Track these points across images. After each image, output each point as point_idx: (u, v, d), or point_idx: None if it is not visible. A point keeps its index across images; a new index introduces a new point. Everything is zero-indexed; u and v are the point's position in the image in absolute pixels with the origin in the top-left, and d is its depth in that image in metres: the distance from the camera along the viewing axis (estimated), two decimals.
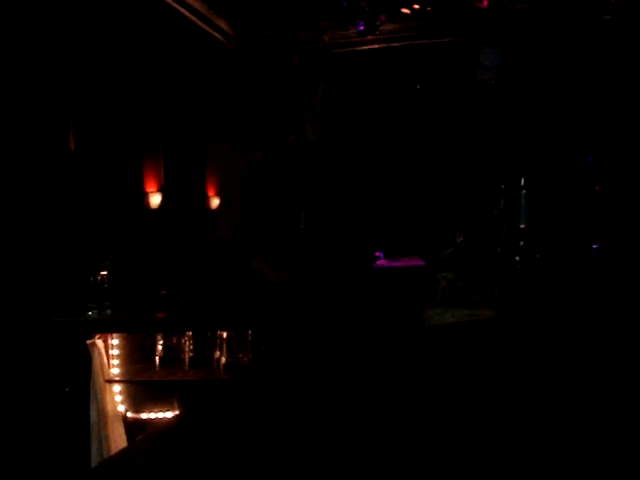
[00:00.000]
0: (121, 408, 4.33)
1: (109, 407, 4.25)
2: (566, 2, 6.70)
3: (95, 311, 4.39)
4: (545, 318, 3.26)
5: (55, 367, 4.26)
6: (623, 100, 6.37)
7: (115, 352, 4.36)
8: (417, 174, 7.15)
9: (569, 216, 4.56)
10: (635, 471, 1.98)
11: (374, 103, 7.47)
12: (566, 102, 6.69)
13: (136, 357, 4.43)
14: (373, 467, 2.07)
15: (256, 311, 3.65)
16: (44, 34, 4.87)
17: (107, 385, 4.28)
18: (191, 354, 4.33)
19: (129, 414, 4.34)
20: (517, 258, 3.74)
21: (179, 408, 4.21)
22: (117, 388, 4.33)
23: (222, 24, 7.41)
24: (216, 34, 7.44)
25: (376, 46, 7.66)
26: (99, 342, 4.25)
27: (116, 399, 4.32)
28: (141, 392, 4.34)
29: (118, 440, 4.23)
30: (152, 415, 4.31)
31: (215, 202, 8.09)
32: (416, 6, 6.96)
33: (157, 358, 4.39)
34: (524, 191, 4.09)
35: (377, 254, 4.64)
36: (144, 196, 6.56)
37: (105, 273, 4.46)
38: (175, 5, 6.41)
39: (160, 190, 6.72)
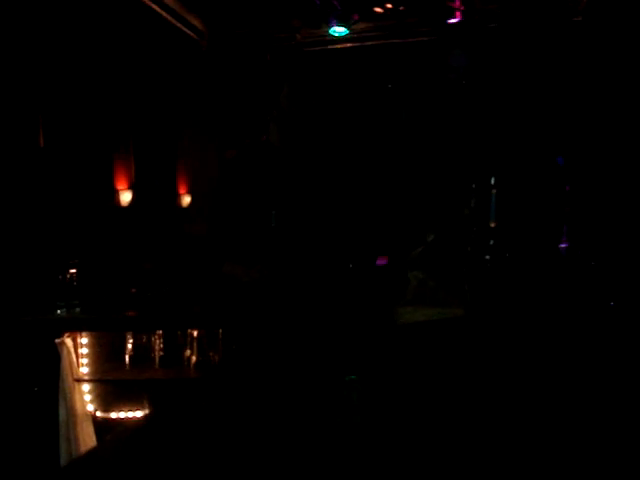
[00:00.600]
0: (90, 407, 4.30)
1: (78, 406, 4.21)
2: (536, 3, 6.76)
3: (64, 309, 4.35)
4: (514, 316, 3.29)
5: (24, 366, 4.22)
6: (593, 100, 6.44)
7: (84, 351, 4.32)
8: (388, 173, 7.17)
9: (538, 215, 4.61)
10: (606, 459, 2.01)
11: (345, 101, 7.48)
12: (536, 102, 6.75)
13: (106, 356, 4.40)
14: (344, 461, 2.08)
15: (227, 310, 3.64)
16: (13, 30, 4.81)
17: (76, 384, 4.24)
18: (161, 353, 4.31)
19: (98, 413, 4.31)
20: (487, 257, 3.77)
21: (149, 407, 4.19)
22: (86, 387, 4.29)
23: (195, 21, 7.38)
24: (188, 31, 7.41)
25: (349, 45, 7.67)
26: (68, 341, 4.22)
27: (85, 398, 4.28)
28: (111, 391, 4.31)
29: (87, 439, 4.20)
30: (122, 414, 4.28)
31: (186, 200, 8.04)
32: (389, 5, 6.98)
33: (127, 357, 4.36)
34: (494, 190, 4.13)
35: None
36: (114, 193, 6.50)
37: (74, 271, 4.43)
38: (148, 2, 6.37)
39: (131, 187, 6.66)
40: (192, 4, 7.08)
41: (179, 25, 7.17)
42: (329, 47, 7.62)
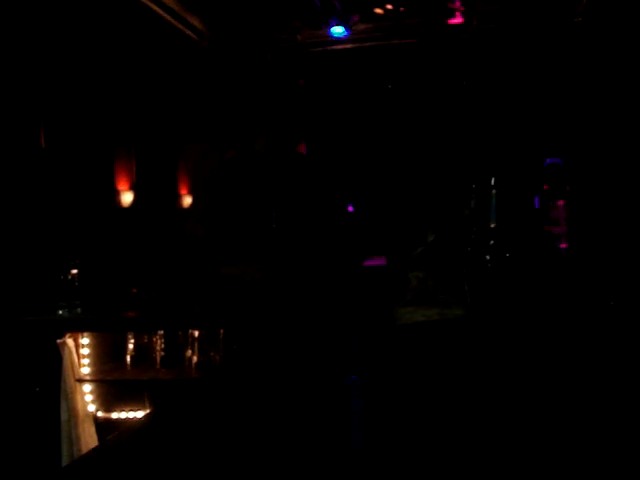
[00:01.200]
0: (92, 407, 4.30)
1: (80, 406, 4.22)
2: (536, 4, 6.76)
3: (65, 310, 4.36)
4: (514, 316, 3.30)
5: (25, 366, 4.23)
6: (593, 101, 6.45)
7: (86, 351, 4.33)
8: (388, 174, 7.18)
9: (538, 216, 4.61)
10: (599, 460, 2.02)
11: (346, 102, 7.49)
12: (536, 103, 6.76)
13: (107, 356, 4.40)
14: (344, 461, 2.09)
15: (228, 310, 3.65)
16: (14, 31, 4.82)
17: (78, 384, 4.25)
18: (162, 353, 4.32)
19: (100, 413, 4.32)
20: (487, 257, 3.78)
21: (150, 407, 4.19)
22: (88, 387, 4.30)
23: (195, 22, 7.38)
24: (189, 32, 7.41)
25: (349, 46, 7.68)
26: (69, 341, 4.22)
27: (87, 398, 4.29)
28: (112, 391, 4.32)
29: (89, 440, 4.20)
30: (123, 414, 4.29)
31: (187, 201, 8.05)
32: (389, 6, 6.99)
33: (128, 357, 4.36)
34: (494, 191, 4.13)
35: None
36: (115, 194, 6.50)
37: (76, 271, 4.43)
38: (148, 2, 6.38)
39: (132, 188, 6.66)
40: (192, 5, 7.08)
41: (179, 26, 7.17)
42: (329, 48, 7.64)
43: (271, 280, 2.95)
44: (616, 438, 2.33)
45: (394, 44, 7.58)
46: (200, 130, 7.89)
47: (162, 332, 4.33)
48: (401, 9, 7.03)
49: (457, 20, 6.89)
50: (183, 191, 8.03)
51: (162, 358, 4.32)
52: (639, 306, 3.49)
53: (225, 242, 3.14)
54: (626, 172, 5.50)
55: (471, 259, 3.77)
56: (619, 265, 4.06)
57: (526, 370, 2.90)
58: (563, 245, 4.35)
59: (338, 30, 6.98)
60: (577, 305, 3.44)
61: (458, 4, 6.84)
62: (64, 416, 4.15)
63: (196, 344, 4.24)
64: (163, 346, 4.33)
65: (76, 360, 4.27)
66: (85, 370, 4.31)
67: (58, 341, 4.19)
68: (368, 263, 4.93)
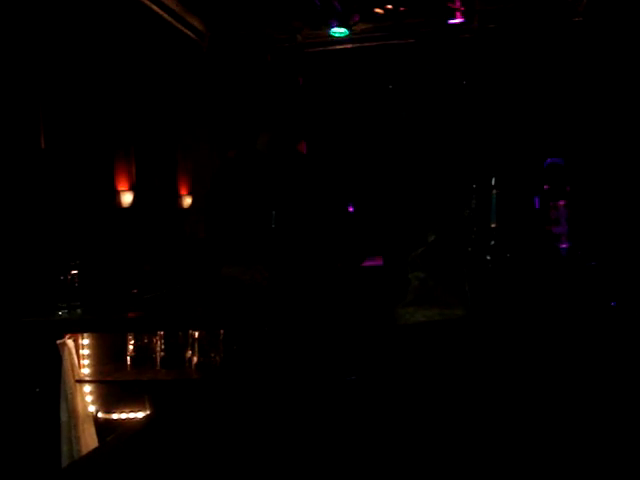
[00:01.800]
0: (92, 408, 4.30)
1: (80, 407, 4.21)
2: (536, 4, 6.76)
3: (65, 310, 4.35)
4: (516, 317, 3.29)
5: (25, 367, 4.22)
6: (593, 101, 6.45)
7: (86, 352, 4.32)
8: (389, 173, 7.18)
9: (538, 216, 4.61)
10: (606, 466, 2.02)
11: (346, 102, 7.49)
12: (537, 102, 6.76)
13: (107, 357, 4.40)
14: (345, 462, 2.08)
15: (228, 310, 3.64)
16: (14, 31, 4.82)
17: (78, 385, 4.24)
18: (162, 354, 4.31)
19: (100, 414, 4.31)
20: (488, 257, 3.77)
21: (150, 408, 4.19)
22: (88, 388, 4.29)
23: (195, 22, 7.39)
24: (189, 32, 7.42)
25: (349, 46, 7.68)
26: (69, 342, 4.22)
27: (87, 399, 4.28)
28: (112, 392, 4.31)
29: (89, 440, 4.20)
30: (123, 415, 4.28)
31: (187, 201, 8.06)
32: (389, 6, 6.99)
33: (128, 358, 4.35)
34: (495, 191, 4.12)
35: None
36: (115, 194, 6.51)
37: (76, 272, 4.42)
38: (148, 3, 6.38)
39: (132, 188, 6.67)
40: (192, 5, 7.09)
41: (179, 26, 7.18)
42: (329, 48, 7.64)
43: (271, 280, 2.95)
44: (617, 438, 2.32)
45: (394, 44, 7.58)
46: (200, 130, 7.90)
47: (162, 333, 4.32)
48: (401, 9, 7.03)
49: (457, 20, 6.89)
50: (183, 191, 8.03)
51: (162, 359, 4.31)
52: None
53: (225, 242, 3.13)
54: (627, 172, 5.50)
55: (472, 259, 3.76)
56: (620, 265, 4.05)
57: (527, 370, 2.89)
58: (564, 245, 4.35)
59: (338, 30, 6.98)
60: (578, 305, 3.44)
61: (458, 4, 6.84)
62: (64, 417, 4.14)
63: (196, 345, 4.23)
64: (163, 347, 4.32)
65: (76, 361, 4.26)
66: (85, 371, 4.30)
67: (58, 342, 4.18)
68: (368, 263, 4.93)
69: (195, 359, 4.24)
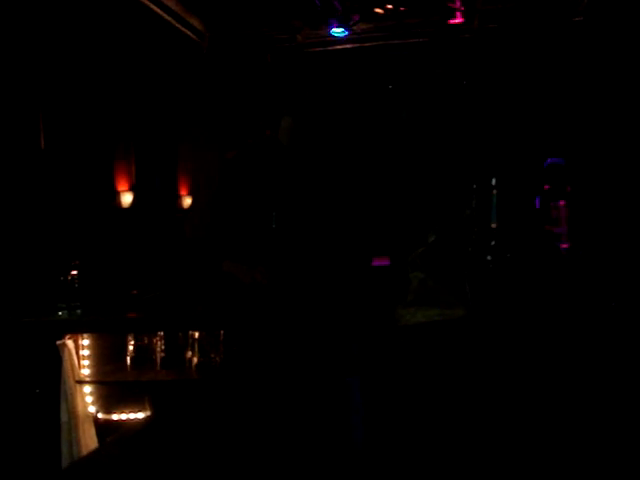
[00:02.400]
0: (92, 409, 4.29)
1: (80, 408, 4.20)
2: (537, 4, 6.76)
3: (65, 311, 4.34)
4: (516, 317, 3.29)
5: (25, 368, 4.22)
6: (594, 100, 6.44)
7: (86, 352, 4.32)
8: (389, 174, 7.18)
9: (539, 216, 4.61)
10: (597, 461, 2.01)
11: (346, 102, 7.48)
12: (537, 102, 6.75)
13: (107, 357, 4.39)
14: (345, 461, 2.07)
15: (228, 311, 3.64)
16: (14, 31, 4.81)
17: (78, 386, 4.24)
18: (162, 354, 4.30)
19: (100, 415, 4.30)
20: (488, 257, 3.77)
21: (150, 409, 4.18)
22: (88, 389, 4.28)
23: (195, 22, 7.38)
24: (189, 33, 7.41)
25: (349, 46, 7.67)
26: (69, 342, 4.21)
27: (87, 400, 4.27)
28: (112, 393, 4.30)
29: (89, 441, 4.19)
30: (123, 416, 4.27)
31: (187, 201, 8.05)
32: (389, 6, 6.98)
33: (128, 358, 4.35)
34: (495, 191, 4.12)
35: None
36: (115, 195, 6.51)
37: (75, 272, 4.41)
38: (148, 3, 6.38)
39: (131, 189, 6.67)
40: (192, 5, 7.08)
41: (179, 26, 7.18)
42: (330, 48, 7.63)
43: (272, 281, 2.94)
44: (618, 438, 2.32)
45: (394, 44, 7.58)
46: (200, 131, 7.89)
47: (162, 333, 4.31)
48: (401, 9, 7.03)
49: (458, 20, 6.89)
50: (183, 192, 8.03)
51: (162, 359, 4.30)
52: None
53: (226, 243, 3.13)
54: (627, 172, 5.50)
55: (472, 259, 3.76)
56: (621, 265, 4.05)
57: (528, 370, 2.89)
58: (564, 245, 4.35)
59: (338, 30, 6.98)
60: (578, 305, 3.43)
61: (458, 4, 6.83)
62: (64, 417, 4.14)
63: (196, 345, 4.23)
64: (163, 347, 4.31)
65: (76, 361, 4.25)
66: (85, 371, 4.29)
67: (58, 342, 4.17)
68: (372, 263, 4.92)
69: (195, 360, 4.23)
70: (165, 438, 2.41)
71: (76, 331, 4.28)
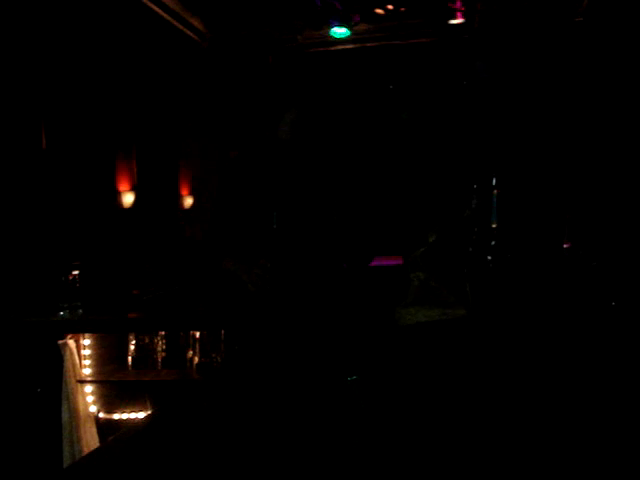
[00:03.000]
0: (93, 408, 4.30)
1: (81, 407, 4.22)
2: (537, 4, 6.76)
3: (67, 311, 4.36)
4: (516, 316, 3.29)
5: (26, 367, 4.23)
6: (594, 100, 6.45)
7: (87, 352, 4.33)
8: (390, 174, 7.18)
9: (540, 216, 4.61)
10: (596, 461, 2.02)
11: (346, 102, 7.49)
12: (537, 102, 6.76)
13: (108, 357, 4.40)
14: (346, 462, 2.08)
15: (229, 311, 3.64)
16: (15, 32, 4.82)
17: (79, 385, 4.25)
18: (164, 354, 4.32)
19: (101, 414, 4.31)
20: (489, 257, 3.77)
21: (151, 408, 4.19)
22: (89, 388, 4.30)
23: (196, 22, 7.38)
24: (190, 32, 7.41)
25: (350, 46, 7.67)
26: (71, 342, 4.22)
27: (88, 399, 4.29)
28: (113, 392, 4.32)
29: (90, 441, 4.20)
30: (124, 415, 4.29)
31: (188, 201, 8.06)
32: (390, 7, 6.98)
33: (129, 358, 4.36)
34: (496, 191, 4.13)
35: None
36: (117, 195, 6.51)
37: (77, 273, 4.43)
38: (148, 3, 6.38)
39: (133, 189, 6.67)
40: (193, 6, 7.08)
41: (180, 27, 7.17)
42: (330, 48, 7.63)
43: (272, 281, 2.95)
44: (618, 438, 2.32)
45: (395, 44, 7.58)
46: (201, 131, 7.90)
47: (163, 333, 4.33)
48: (402, 9, 7.03)
49: (458, 20, 6.89)
50: (184, 192, 8.03)
51: (163, 359, 4.32)
52: None
53: (226, 243, 3.13)
54: (628, 171, 5.50)
55: (473, 259, 3.77)
56: (621, 265, 4.06)
57: (528, 370, 2.89)
58: (565, 245, 4.35)
59: (339, 30, 6.98)
60: (578, 305, 3.44)
61: (459, 4, 6.83)
62: (65, 417, 4.15)
63: (197, 345, 4.24)
64: (164, 347, 4.33)
65: (77, 361, 4.27)
66: (86, 371, 4.31)
67: (59, 342, 4.19)
68: (374, 263, 4.92)
69: (196, 359, 4.25)
70: (166, 438, 2.42)
71: (77, 331, 4.29)
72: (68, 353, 4.20)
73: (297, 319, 2.95)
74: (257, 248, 3.01)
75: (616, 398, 2.66)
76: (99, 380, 4.32)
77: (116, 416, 4.30)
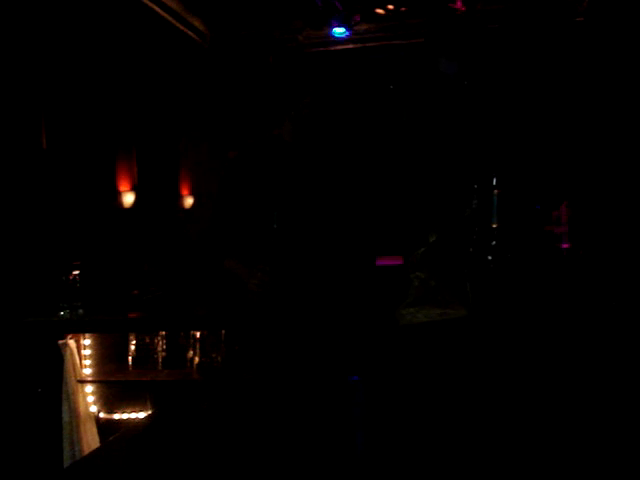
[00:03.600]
0: (93, 408, 4.30)
1: (81, 408, 4.22)
2: (538, 4, 6.76)
3: (67, 311, 4.35)
4: (517, 317, 3.29)
5: (27, 367, 4.23)
6: (595, 100, 6.44)
7: (87, 352, 4.33)
8: (390, 174, 7.18)
9: (540, 216, 4.61)
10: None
11: (347, 102, 7.49)
12: (538, 102, 6.75)
13: (108, 357, 4.40)
14: (346, 462, 2.08)
15: (229, 311, 3.64)
16: (16, 32, 4.82)
17: (79, 385, 4.25)
18: (164, 354, 4.32)
19: (102, 414, 4.31)
20: (489, 257, 3.77)
21: (152, 408, 4.19)
22: (89, 388, 4.30)
23: (197, 23, 7.38)
24: (190, 33, 7.42)
25: (351, 46, 7.67)
26: (71, 342, 4.22)
27: (88, 399, 4.29)
28: (114, 392, 4.32)
29: (90, 441, 4.20)
30: (125, 415, 4.28)
31: (189, 201, 8.06)
32: (390, 7, 6.99)
33: (130, 358, 4.36)
34: (496, 191, 4.12)
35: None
36: (117, 195, 6.51)
37: (77, 272, 4.43)
38: (149, 3, 6.38)
39: (133, 189, 6.67)
40: (194, 6, 7.08)
41: (181, 27, 7.18)
42: (331, 48, 7.63)
43: (273, 281, 2.95)
44: (619, 439, 2.32)
45: (396, 44, 7.58)
46: (201, 131, 7.90)
47: (164, 333, 4.33)
48: (402, 9, 7.03)
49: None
50: (184, 192, 8.03)
51: (164, 359, 4.32)
52: None
53: (227, 243, 3.13)
54: (628, 172, 5.50)
55: (473, 259, 3.76)
56: (621, 265, 4.06)
57: (529, 370, 2.89)
58: (565, 245, 4.34)
59: (339, 30, 6.98)
60: (579, 305, 3.44)
61: (459, 4, 6.83)
62: (66, 417, 4.15)
63: (198, 345, 4.24)
64: (165, 347, 4.33)
65: (78, 361, 4.27)
66: (87, 371, 4.31)
67: (60, 342, 4.19)
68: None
69: (197, 359, 4.25)
70: (166, 438, 2.42)
71: (78, 331, 4.29)
72: (68, 353, 4.20)
73: (297, 319, 2.95)
74: (257, 248, 3.01)
75: (616, 398, 2.66)
76: (99, 380, 4.32)
77: (116, 416, 4.30)
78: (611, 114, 6.06)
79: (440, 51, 6.39)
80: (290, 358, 2.83)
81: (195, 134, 7.93)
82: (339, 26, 6.93)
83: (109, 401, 4.32)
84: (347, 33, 7.02)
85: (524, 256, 3.80)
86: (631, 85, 5.85)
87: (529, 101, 6.75)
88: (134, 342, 4.36)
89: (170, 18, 6.86)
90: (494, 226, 3.94)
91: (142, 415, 4.22)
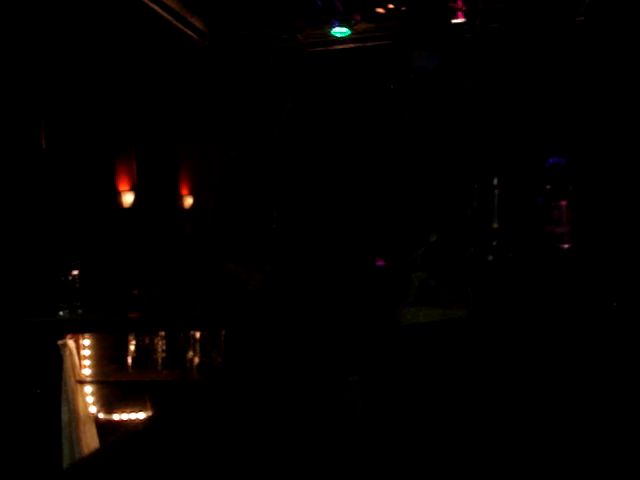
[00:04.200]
0: (93, 409, 4.29)
1: (81, 408, 4.21)
2: (538, 4, 6.75)
3: (66, 311, 4.35)
4: (518, 317, 3.28)
5: (26, 368, 4.22)
6: (596, 100, 6.44)
7: (87, 352, 4.32)
8: (390, 173, 7.17)
9: (540, 216, 4.60)
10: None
11: (347, 102, 7.48)
12: (539, 102, 6.75)
13: (108, 357, 4.40)
14: (346, 462, 2.07)
15: (229, 311, 3.64)
16: (15, 32, 4.81)
17: (79, 386, 4.24)
18: (164, 354, 4.31)
19: (101, 415, 4.30)
20: (490, 258, 3.76)
21: (151, 409, 4.18)
22: (89, 389, 4.29)
23: (196, 22, 7.37)
24: (190, 32, 7.40)
25: (351, 45, 7.66)
26: (70, 342, 4.21)
27: (88, 400, 4.28)
28: (113, 393, 4.31)
29: (90, 441, 4.19)
30: (124, 416, 4.28)
31: (188, 201, 8.05)
32: (391, 6, 6.97)
33: (129, 358, 4.35)
34: (497, 191, 4.11)
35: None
36: (116, 195, 6.50)
37: (76, 272, 4.42)
38: (148, 3, 6.37)
39: (133, 189, 6.66)
40: (193, 5, 7.07)
41: (180, 26, 7.16)
42: (331, 48, 7.62)
43: (273, 282, 2.94)
44: (619, 438, 2.31)
45: (395, 44, 7.57)
46: (201, 130, 7.88)
47: (163, 333, 4.32)
48: (402, 8, 7.01)
49: (459, 20, 6.88)
50: (184, 192, 8.02)
51: (163, 359, 4.31)
52: None
53: (227, 243, 3.13)
54: (629, 172, 5.49)
55: (474, 259, 3.75)
56: (622, 266, 4.05)
57: (529, 370, 2.89)
58: (566, 245, 4.34)
59: (340, 30, 6.97)
60: (580, 305, 3.43)
61: (460, 4, 6.82)
62: (65, 417, 4.14)
63: (197, 345, 4.23)
64: (164, 347, 4.32)
65: (77, 361, 4.26)
66: (86, 371, 4.30)
67: (59, 342, 4.18)
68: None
69: (196, 359, 4.24)
70: (166, 438, 2.41)
71: (77, 331, 4.28)
72: (68, 353, 4.19)
73: (297, 319, 2.94)
74: (257, 248, 3.00)
75: (617, 398, 2.65)
76: (99, 380, 4.31)
77: (116, 416, 4.29)
78: (612, 113, 6.05)
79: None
80: (290, 358, 2.82)
81: (195, 134, 7.92)
82: (339, 25, 6.92)
83: (109, 401, 4.31)
84: (347, 32, 7.00)
85: (525, 256, 3.79)
86: (631, 84, 5.84)
87: (530, 100, 6.74)
88: (134, 342, 4.35)
89: (169, 17, 6.85)
90: (495, 226, 3.93)
91: (142, 415, 4.22)
